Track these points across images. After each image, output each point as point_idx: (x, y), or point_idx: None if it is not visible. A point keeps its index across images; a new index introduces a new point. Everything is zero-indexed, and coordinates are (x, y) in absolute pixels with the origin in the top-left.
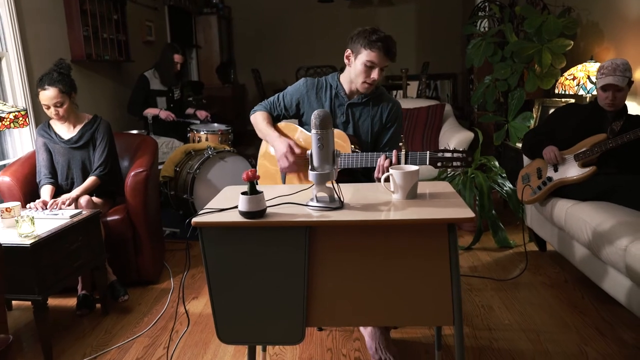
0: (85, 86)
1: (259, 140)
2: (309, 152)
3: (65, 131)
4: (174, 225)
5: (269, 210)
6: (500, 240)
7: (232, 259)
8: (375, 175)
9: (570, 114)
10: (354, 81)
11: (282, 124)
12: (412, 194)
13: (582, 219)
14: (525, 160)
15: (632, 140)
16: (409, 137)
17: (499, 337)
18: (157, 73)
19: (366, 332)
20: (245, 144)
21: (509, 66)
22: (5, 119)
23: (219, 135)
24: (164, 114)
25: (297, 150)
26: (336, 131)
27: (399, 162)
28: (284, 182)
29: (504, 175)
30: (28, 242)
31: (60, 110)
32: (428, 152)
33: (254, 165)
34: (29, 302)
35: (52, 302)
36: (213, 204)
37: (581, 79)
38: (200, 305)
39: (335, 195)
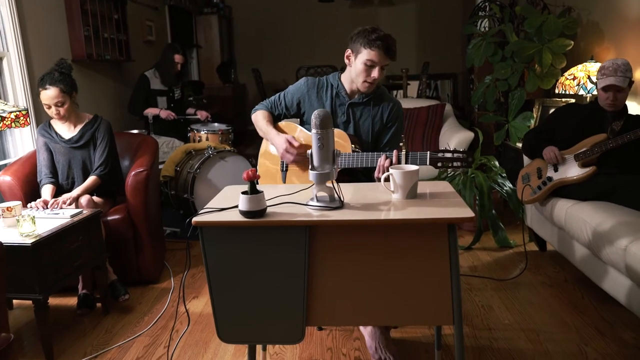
0: (85, 86)
1: (260, 140)
2: (309, 151)
3: (66, 131)
4: (175, 224)
5: (269, 209)
6: (500, 240)
7: (233, 258)
8: (376, 175)
9: (570, 114)
10: (354, 81)
11: (282, 123)
12: (412, 194)
13: (582, 218)
14: (525, 160)
15: (632, 141)
16: (410, 137)
17: (498, 336)
18: (157, 73)
19: (366, 331)
20: (246, 144)
21: (509, 66)
22: (6, 119)
23: (219, 135)
24: (164, 114)
25: (295, 144)
26: (337, 131)
27: (399, 162)
28: (284, 182)
29: (504, 175)
30: (29, 241)
31: (61, 110)
32: (428, 152)
33: (254, 165)
34: (30, 301)
35: (52, 301)
36: (213, 203)
37: (581, 78)
38: (201, 304)
39: (336, 195)
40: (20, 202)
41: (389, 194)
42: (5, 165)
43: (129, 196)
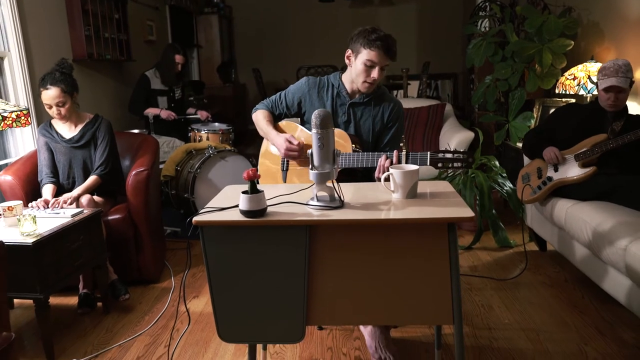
0: (86, 85)
1: (260, 140)
2: (309, 151)
3: (67, 130)
4: (175, 224)
5: (269, 209)
6: (500, 240)
7: (233, 257)
8: (376, 175)
9: (570, 114)
10: (355, 81)
11: (283, 123)
12: (412, 194)
13: (582, 218)
14: (526, 160)
15: (633, 141)
16: (410, 137)
17: (498, 336)
18: (158, 73)
19: (366, 331)
20: (246, 144)
21: (510, 66)
22: (7, 118)
23: (219, 135)
24: (164, 114)
25: (295, 142)
26: (337, 131)
27: (399, 162)
28: (284, 181)
29: (505, 175)
30: (30, 240)
31: (62, 110)
32: (429, 152)
33: (254, 165)
34: (31, 301)
35: (53, 300)
36: (214, 203)
37: (582, 78)
38: (201, 304)
39: (336, 195)
40: (21, 202)
41: (389, 194)
42: (6, 164)
43: (130, 196)
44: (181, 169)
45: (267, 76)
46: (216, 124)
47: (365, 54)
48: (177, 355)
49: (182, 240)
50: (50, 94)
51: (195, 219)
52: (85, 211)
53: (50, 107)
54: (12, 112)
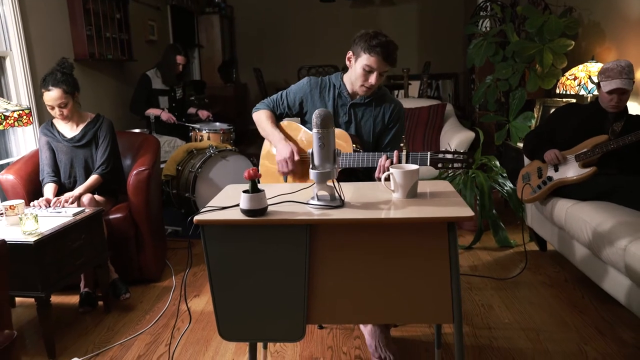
0: (88, 85)
1: (261, 140)
2: (309, 150)
3: (68, 130)
4: (176, 223)
5: (270, 208)
6: (500, 240)
7: (234, 256)
8: (376, 175)
9: (570, 114)
10: (353, 83)
11: (284, 123)
12: (412, 193)
13: (582, 218)
14: (526, 160)
15: (633, 142)
16: (410, 137)
17: (498, 335)
18: (159, 72)
19: (366, 330)
20: (247, 143)
21: (510, 66)
22: (9, 118)
23: (220, 134)
24: (165, 116)
25: (296, 157)
26: (338, 131)
27: (399, 162)
28: (285, 182)
29: (505, 175)
30: (32, 239)
31: (65, 111)
32: (429, 152)
33: (255, 164)
34: (32, 299)
35: (54, 299)
36: (215, 202)
37: (582, 79)
38: (202, 303)
39: (336, 194)
40: (23, 201)
41: (389, 193)
42: (8, 164)
43: (131, 195)
44: (182, 169)
45: (268, 76)
46: (217, 123)
47: (364, 59)
48: (178, 354)
49: (183, 239)
50: (52, 96)
51: (197, 218)
52: (86, 210)
53: (53, 108)
54: (14, 111)
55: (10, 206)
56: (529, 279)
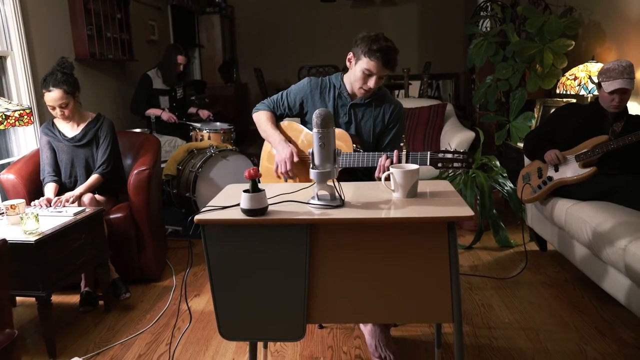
0: (88, 85)
1: (261, 140)
2: (310, 150)
3: (69, 129)
4: (177, 223)
5: (270, 208)
6: (500, 240)
7: (234, 256)
8: (376, 175)
9: (570, 114)
10: (353, 85)
11: (284, 123)
12: (412, 193)
13: (582, 218)
14: (526, 160)
15: (634, 142)
16: (411, 137)
17: (498, 335)
18: (159, 72)
19: (366, 329)
20: (248, 143)
21: (511, 66)
22: (10, 117)
23: (221, 134)
24: (165, 116)
25: (295, 159)
26: (338, 130)
27: (399, 162)
28: (286, 181)
29: (505, 175)
30: (32, 239)
31: (66, 111)
32: (429, 152)
33: (256, 164)
34: (33, 299)
35: (55, 298)
36: (215, 201)
37: (582, 79)
38: (202, 302)
39: (336, 194)
40: (23, 200)
41: (389, 193)
42: (8, 163)
43: (131, 195)
44: (183, 168)
45: (269, 76)
46: (218, 123)
47: (364, 62)
48: (179, 353)
49: (183, 239)
50: (53, 96)
51: (197, 217)
52: (87, 210)
53: (54, 109)
54: (14, 111)
55: (11, 206)
56: (529, 278)
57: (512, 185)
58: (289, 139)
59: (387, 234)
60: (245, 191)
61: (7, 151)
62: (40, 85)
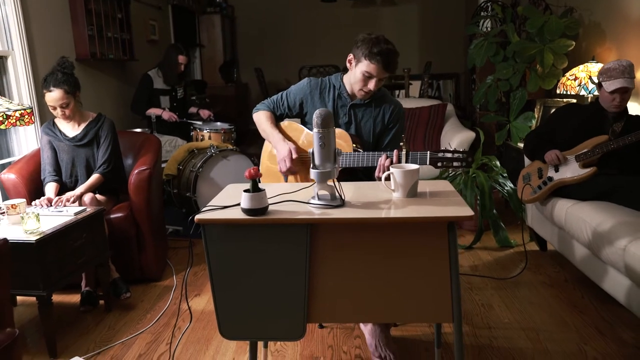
0: (89, 85)
1: (262, 139)
2: (310, 150)
3: (70, 129)
4: (177, 223)
5: (270, 207)
6: (501, 240)
7: (235, 256)
8: (376, 174)
9: (570, 114)
10: (353, 86)
11: (284, 124)
12: (412, 193)
13: (582, 218)
14: (526, 160)
15: (634, 142)
16: (411, 137)
17: (498, 335)
18: (160, 72)
19: (366, 329)
20: (248, 143)
21: (511, 66)
22: (11, 117)
23: (221, 134)
24: (166, 115)
25: (294, 155)
26: (338, 130)
27: (399, 162)
28: (286, 181)
29: (505, 175)
30: (33, 238)
31: (67, 111)
32: (428, 152)
33: (256, 164)
34: (34, 298)
35: (56, 298)
36: (216, 201)
37: (583, 79)
38: (203, 302)
39: (337, 193)
40: (24, 200)
41: (389, 193)
42: (9, 163)
43: (132, 194)
44: (183, 168)
45: (269, 76)
46: (218, 123)
47: (364, 65)
48: (179, 352)
49: (183, 238)
50: (53, 96)
51: (197, 217)
52: (87, 209)
53: (55, 108)
54: (15, 110)
55: (12, 205)
56: (529, 278)
57: (512, 185)
58: (289, 139)
59: (387, 233)
60: (245, 191)
61: (8, 151)
62: (40, 85)
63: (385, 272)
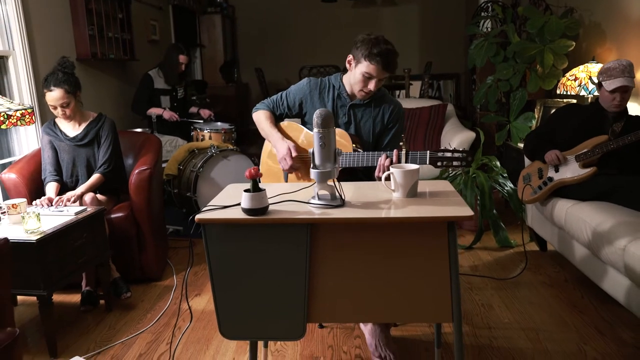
0: (90, 85)
1: (262, 139)
2: (310, 150)
3: (71, 129)
4: (177, 223)
5: (271, 207)
6: (501, 240)
7: (235, 255)
8: (376, 174)
9: (570, 114)
10: (352, 87)
11: (284, 124)
12: (412, 193)
13: (582, 219)
14: (527, 160)
15: (633, 142)
16: (411, 137)
17: (498, 335)
18: (161, 72)
19: (366, 329)
20: (248, 143)
21: (511, 66)
22: (12, 117)
23: (222, 134)
24: (167, 114)
25: (294, 153)
26: (338, 130)
27: (399, 162)
28: (286, 181)
29: (505, 175)
30: (34, 238)
31: (67, 111)
32: (428, 151)
33: (256, 164)
34: (34, 298)
35: (56, 297)
36: (216, 201)
37: (583, 79)
38: (203, 302)
39: (337, 193)
40: (25, 200)
41: (389, 193)
42: (10, 162)
43: (133, 194)
44: (184, 168)
45: (270, 76)
46: (219, 123)
47: (364, 66)
48: (179, 352)
49: (184, 238)
50: (54, 96)
51: (198, 216)
52: (88, 209)
53: (55, 108)
54: (16, 110)
55: (12, 205)
56: (529, 279)
57: (512, 185)
58: (288, 139)
59: (387, 233)
60: (246, 191)
61: (8, 150)
62: (41, 84)
63: (385, 272)
